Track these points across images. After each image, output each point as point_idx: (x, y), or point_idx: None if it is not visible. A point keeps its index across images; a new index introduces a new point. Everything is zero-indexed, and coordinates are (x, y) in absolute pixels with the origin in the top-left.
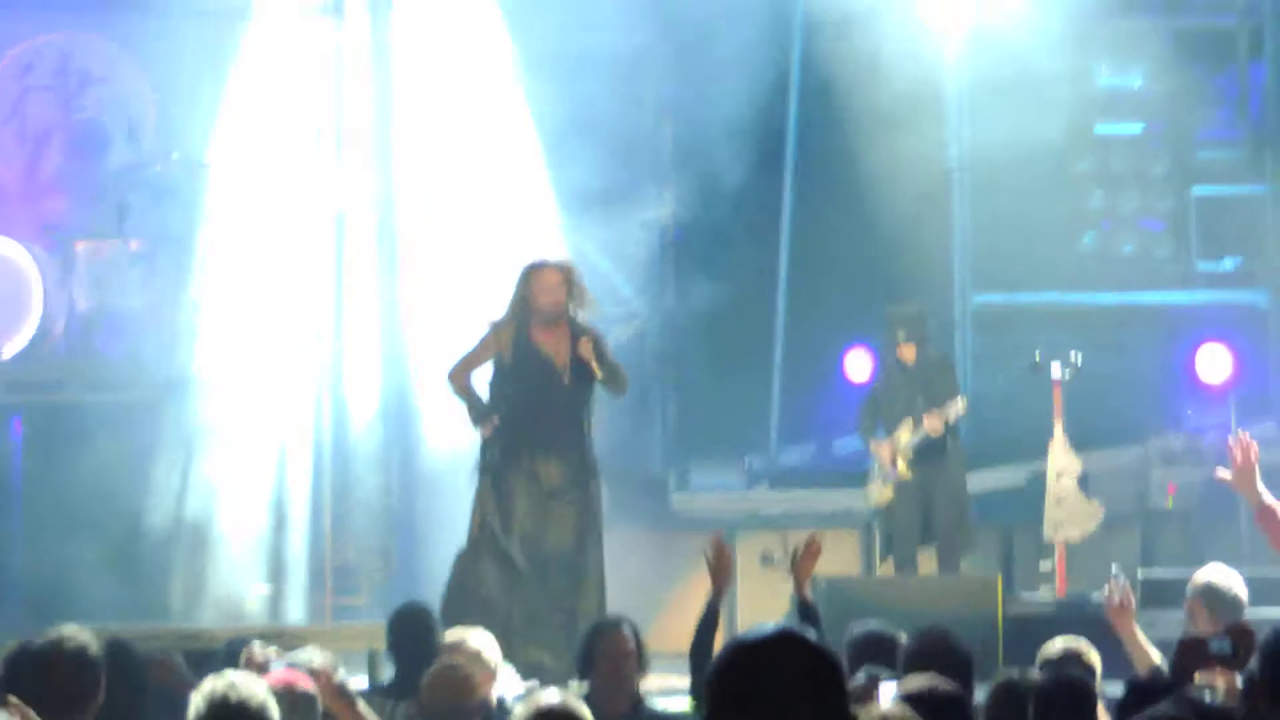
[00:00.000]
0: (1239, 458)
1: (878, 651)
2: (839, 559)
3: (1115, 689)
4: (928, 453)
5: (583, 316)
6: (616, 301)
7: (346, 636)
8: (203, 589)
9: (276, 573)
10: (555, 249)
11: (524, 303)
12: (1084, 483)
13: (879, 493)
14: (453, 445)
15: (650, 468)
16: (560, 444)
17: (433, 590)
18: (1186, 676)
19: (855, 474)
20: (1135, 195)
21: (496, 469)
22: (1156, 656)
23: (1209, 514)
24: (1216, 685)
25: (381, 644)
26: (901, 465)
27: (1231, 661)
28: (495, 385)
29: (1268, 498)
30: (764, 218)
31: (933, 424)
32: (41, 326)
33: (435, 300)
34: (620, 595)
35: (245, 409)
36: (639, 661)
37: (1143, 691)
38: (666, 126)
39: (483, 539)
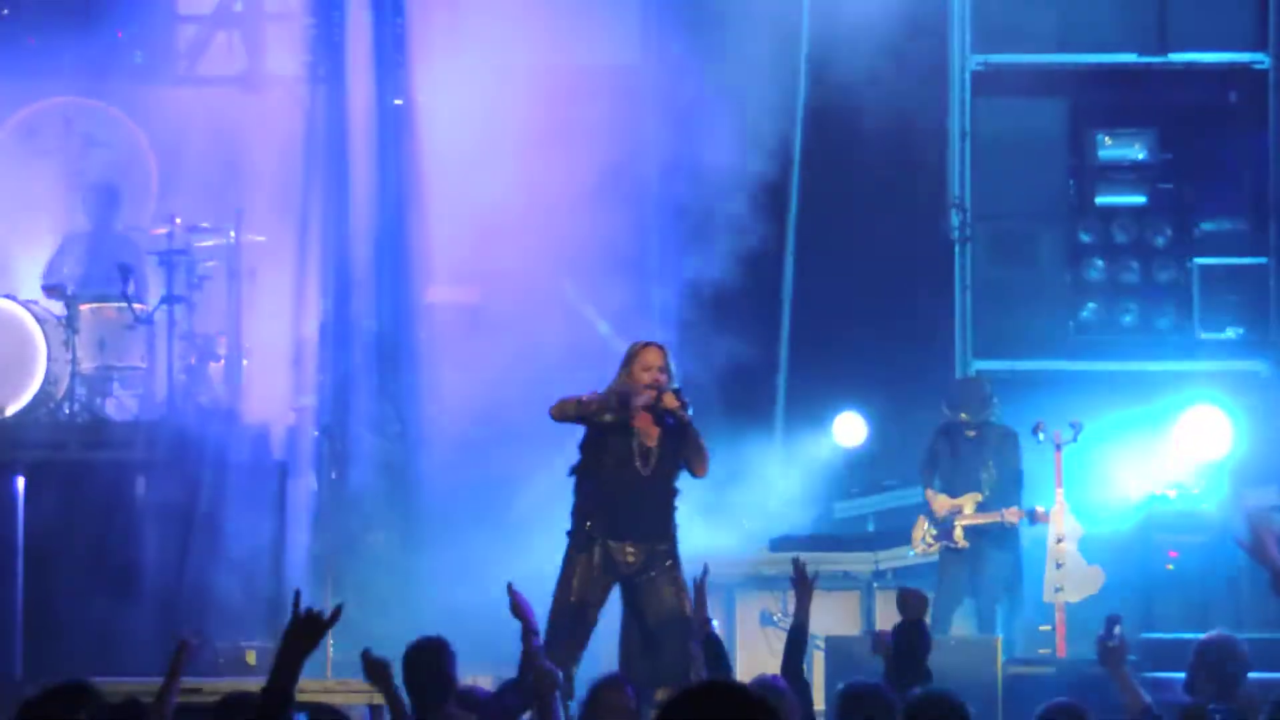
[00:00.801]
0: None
1: None
2: (839, 620)
3: None
4: (988, 529)
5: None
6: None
7: (348, 691)
8: (202, 645)
9: (276, 627)
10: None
11: (626, 380)
12: (1084, 547)
13: (924, 546)
14: (453, 496)
15: None
16: (640, 527)
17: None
18: None
19: (854, 537)
20: (1137, 265)
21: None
22: (1147, 699)
23: (1209, 578)
24: None
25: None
26: (959, 534)
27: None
28: (590, 459)
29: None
30: (765, 284)
31: (1012, 517)
32: (44, 387)
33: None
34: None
35: (244, 464)
36: (638, 718)
37: None
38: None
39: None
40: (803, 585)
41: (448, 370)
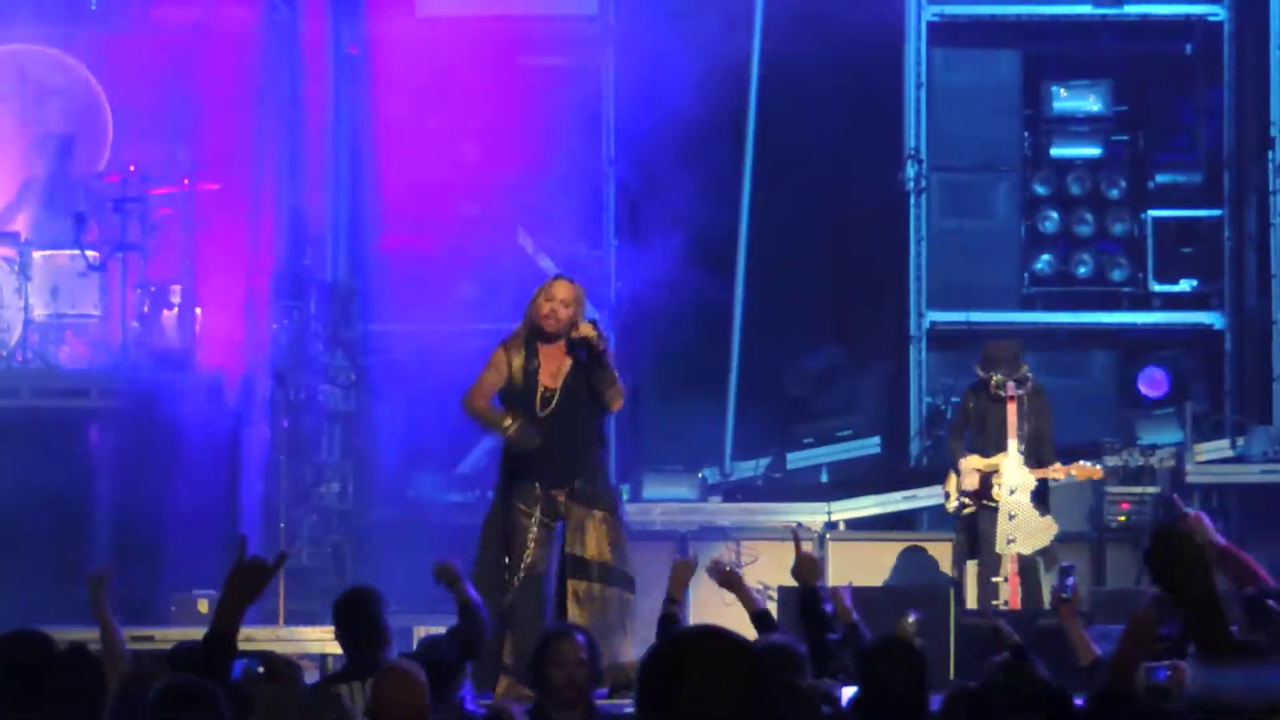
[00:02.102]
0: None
1: None
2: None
3: None
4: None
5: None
6: None
7: (300, 640)
8: (157, 591)
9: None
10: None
11: (533, 318)
12: (1038, 498)
13: (956, 503)
14: (406, 447)
15: None
16: (566, 469)
17: (385, 594)
18: (1134, 652)
19: (808, 487)
20: (1091, 217)
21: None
22: (1097, 651)
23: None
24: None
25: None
26: (998, 492)
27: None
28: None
29: (1221, 540)
30: (721, 231)
31: (1057, 474)
32: None
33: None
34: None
35: (198, 413)
36: (593, 671)
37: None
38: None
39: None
40: (800, 555)
41: (401, 320)
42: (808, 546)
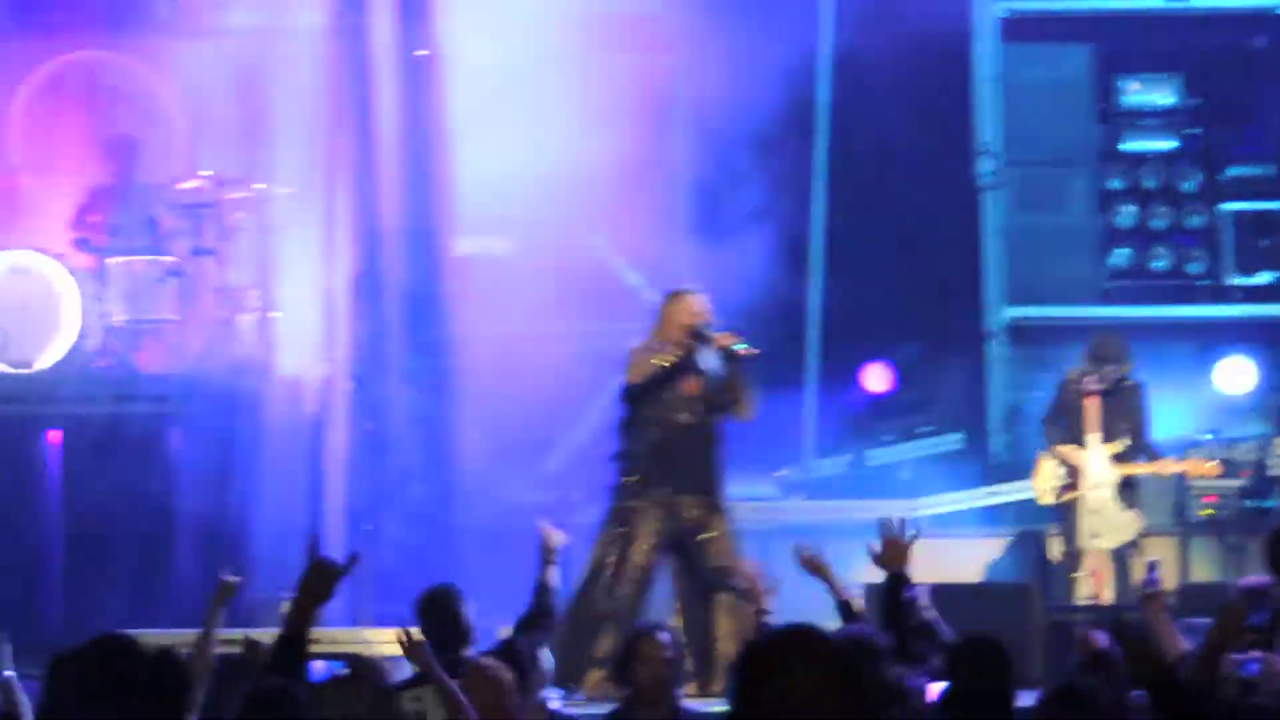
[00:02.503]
0: None
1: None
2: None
3: None
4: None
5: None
6: (646, 316)
7: (383, 642)
8: (239, 596)
9: None
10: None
11: (668, 328)
12: (1123, 493)
13: (1045, 493)
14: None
15: None
16: (695, 478)
17: (469, 595)
18: (1223, 643)
19: (889, 483)
20: (1166, 210)
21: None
22: (1183, 645)
23: (1244, 525)
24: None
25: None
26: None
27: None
28: (638, 418)
29: None
30: (795, 228)
31: (1166, 468)
32: (76, 341)
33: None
34: (656, 607)
35: (278, 417)
36: (678, 670)
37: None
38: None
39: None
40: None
41: (480, 322)
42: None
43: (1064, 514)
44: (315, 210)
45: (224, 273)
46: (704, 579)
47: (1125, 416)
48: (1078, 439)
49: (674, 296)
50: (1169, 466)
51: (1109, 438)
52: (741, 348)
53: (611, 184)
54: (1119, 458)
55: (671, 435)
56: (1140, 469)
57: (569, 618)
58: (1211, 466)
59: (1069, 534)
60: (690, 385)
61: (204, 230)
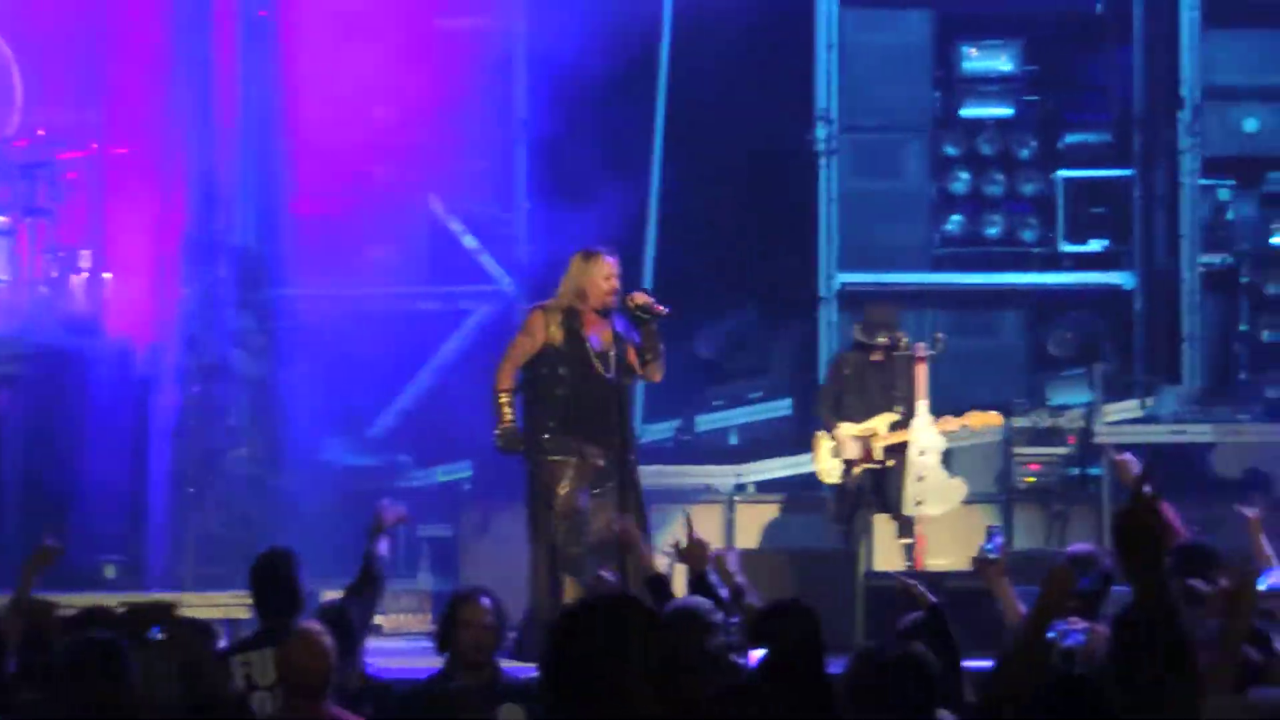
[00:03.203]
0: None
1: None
2: (703, 533)
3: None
4: (903, 446)
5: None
6: (482, 280)
7: (209, 605)
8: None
9: (136, 542)
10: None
11: (579, 289)
12: (946, 460)
13: (832, 471)
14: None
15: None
16: (607, 433)
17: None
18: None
19: (718, 449)
20: (1002, 177)
21: (549, 453)
22: (1023, 610)
23: (1069, 493)
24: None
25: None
26: (877, 452)
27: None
28: (545, 373)
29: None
30: (632, 192)
31: (950, 426)
32: None
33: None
34: (481, 568)
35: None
36: (499, 635)
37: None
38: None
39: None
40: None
41: (312, 284)
42: (712, 514)
43: (845, 489)
44: (150, 170)
45: (55, 232)
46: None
47: (899, 385)
48: (858, 413)
49: (586, 257)
50: (949, 424)
51: (888, 405)
52: (660, 308)
53: (447, 146)
54: (895, 425)
55: (577, 388)
56: (896, 436)
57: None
58: (992, 416)
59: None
60: (602, 342)
61: (36, 189)
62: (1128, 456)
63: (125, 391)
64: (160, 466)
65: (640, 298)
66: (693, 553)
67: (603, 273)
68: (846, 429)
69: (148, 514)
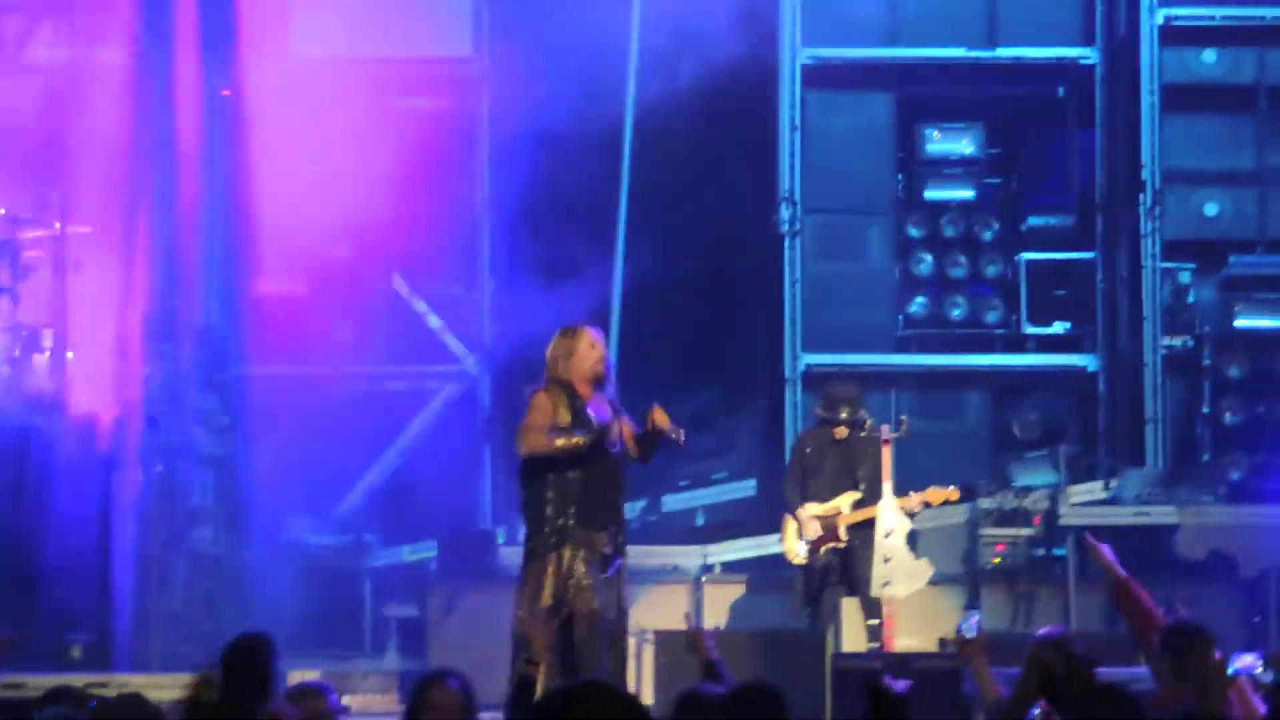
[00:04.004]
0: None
1: None
2: (668, 614)
3: None
4: (867, 524)
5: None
6: (447, 360)
7: (175, 686)
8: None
9: (102, 621)
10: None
11: (568, 366)
12: (912, 541)
13: (798, 552)
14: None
15: (480, 523)
16: (615, 513)
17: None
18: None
19: (684, 529)
20: (965, 259)
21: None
22: (1001, 690)
23: (1035, 574)
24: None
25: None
26: (843, 533)
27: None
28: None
29: (1123, 572)
30: (596, 272)
31: (911, 504)
32: None
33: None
34: (449, 648)
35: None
36: (468, 717)
37: None
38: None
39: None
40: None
41: (276, 363)
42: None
43: (810, 570)
44: (112, 249)
45: (18, 311)
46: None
47: (862, 463)
48: (821, 492)
49: (568, 333)
50: (908, 502)
51: (851, 485)
52: (677, 435)
53: (411, 225)
54: (859, 503)
55: (593, 473)
56: (876, 511)
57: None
58: (951, 491)
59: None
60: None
61: None
62: (1104, 549)
63: (89, 471)
64: (125, 546)
65: (662, 419)
66: (696, 643)
67: (588, 346)
68: (810, 509)
69: (113, 593)
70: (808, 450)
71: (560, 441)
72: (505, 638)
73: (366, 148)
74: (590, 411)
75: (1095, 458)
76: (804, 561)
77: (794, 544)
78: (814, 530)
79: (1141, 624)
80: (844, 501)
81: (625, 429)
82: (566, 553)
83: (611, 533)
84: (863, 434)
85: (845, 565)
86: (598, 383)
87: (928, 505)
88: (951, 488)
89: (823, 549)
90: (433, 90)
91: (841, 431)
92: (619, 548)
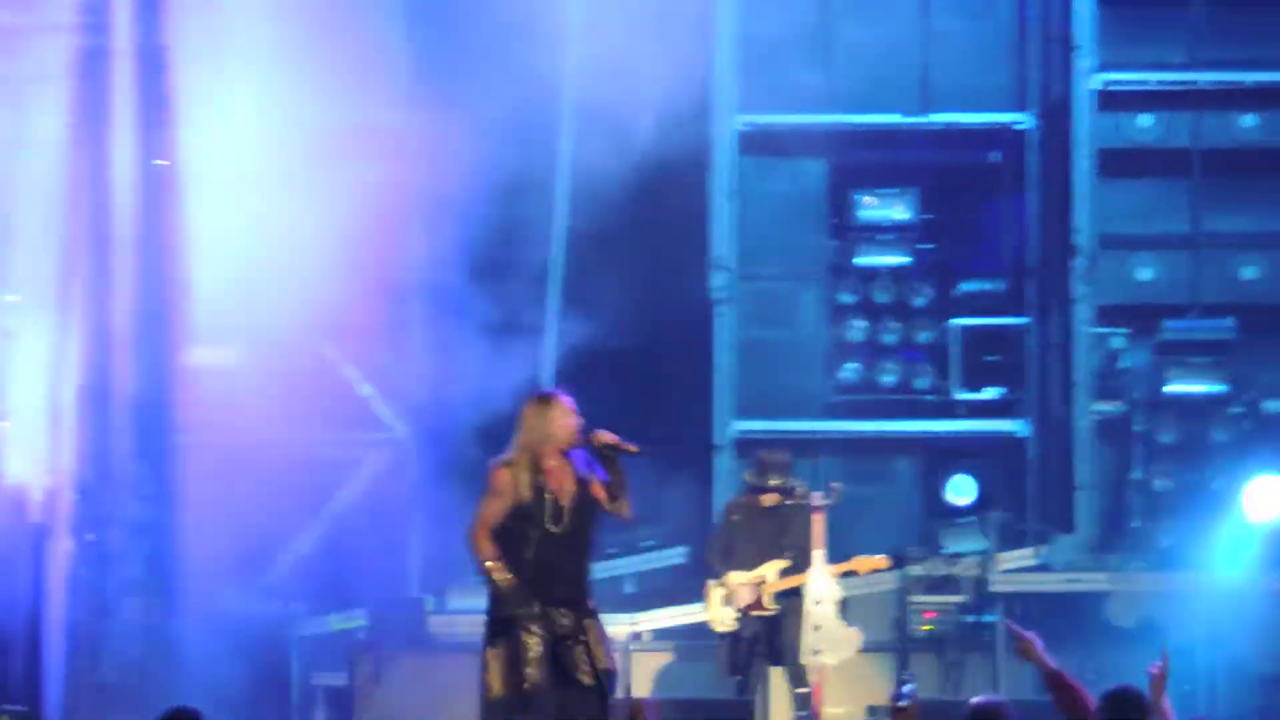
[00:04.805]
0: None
1: None
2: None
3: None
4: (794, 591)
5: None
6: (378, 428)
7: None
8: None
9: (32, 691)
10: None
11: (541, 436)
12: (842, 609)
13: (724, 619)
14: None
15: (409, 591)
16: (570, 588)
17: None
18: None
19: (613, 597)
20: (898, 325)
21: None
22: None
23: (965, 641)
24: None
25: None
26: (768, 600)
27: None
28: (514, 533)
29: (1054, 663)
30: (527, 344)
31: (837, 570)
32: None
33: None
34: (379, 717)
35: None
36: None
37: None
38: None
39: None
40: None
41: (206, 432)
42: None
43: (737, 637)
44: (45, 318)
45: None
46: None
47: (790, 530)
48: (747, 560)
49: (542, 401)
50: (837, 569)
51: (777, 550)
52: (628, 445)
53: (344, 293)
54: (786, 571)
55: (544, 547)
56: (806, 578)
57: None
58: (880, 560)
59: (785, 650)
60: (561, 495)
61: None
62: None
63: (19, 540)
64: (56, 616)
65: (607, 436)
66: (635, 716)
67: (562, 415)
68: (736, 577)
69: (44, 663)
70: (734, 518)
71: (490, 566)
72: (433, 706)
73: (298, 215)
74: (552, 491)
75: (1025, 524)
76: (730, 629)
77: (718, 611)
78: (745, 597)
79: (1079, 712)
80: (770, 569)
81: (596, 488)
82: (516, 623)
83: (570, 609)
84: (791, 502)
85: (770, 633)
86: (567, 450)
87: (854, 573)
88: (880, 556)
89: (750, 615)
90: (365, 157)
91: (772, 499)
92: (593, 616)
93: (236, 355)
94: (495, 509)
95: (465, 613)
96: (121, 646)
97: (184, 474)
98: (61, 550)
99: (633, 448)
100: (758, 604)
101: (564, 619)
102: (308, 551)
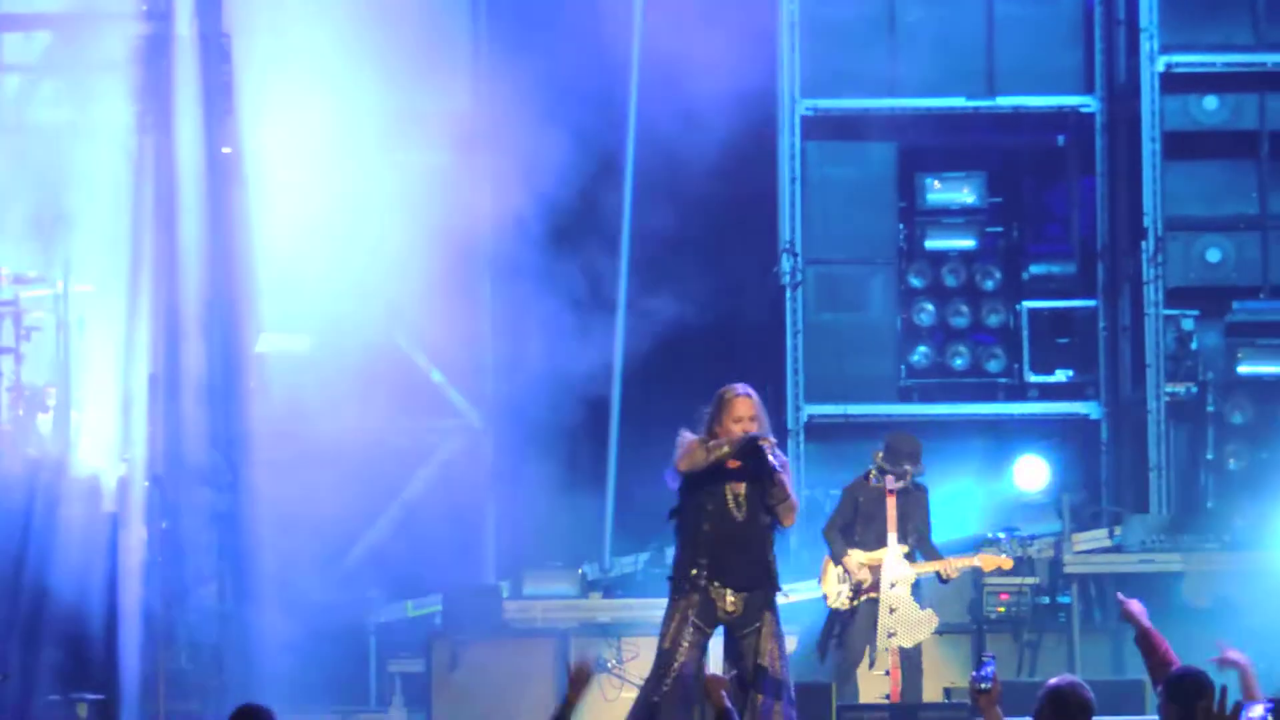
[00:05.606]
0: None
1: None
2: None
3: None
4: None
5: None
6: (451, 414)
7: None
8: (33, 696)
9: (108, 680)
10: None
11: (717, 429)
12: (917, 591)
13: (838, 597)
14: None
15: (484, 577)
16: (738, 578)
17: (267, 695)
18: None
19: None
20: (967, 308)
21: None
22: None
23: (1039, 622)
24: None
25: None
26: (886, 586)
27: None
28: (691, 506)
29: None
30: (598, 330)
31: (951, 570)
32: None
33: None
34: (454, 703)
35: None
36: None
37: None
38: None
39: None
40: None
41: (279, 420)
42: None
43: (845, 617)
44: (115, 308)
45: (21, 371)
46: (742, 674)
47: (912, 516)
48: (868, 542)
49: (728, 396)
50: (963, 562)
51: (900, 538)
52: (768, 443)
53: (416, 281)
54: (907, 557)
55: (721, 530)
56: (934, 567)
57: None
58: (1004, 559)
59: (866, 634)
60: (735, 484)
61: (1, 328)
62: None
63: (93, 529)
64: (131, 605)
65: (766, 443)
66: (710, 691)
67: (733, 415)
68: (856, 556)
69: (119, 652)
70: (860, 499)
71: (711, 444)
72: (509, 692)
73: (367, 203)
74: (730, 476)
75: (1099, 505)
76: (844, 606)
77: (834, 587)
78: (866, 576)
79: (1161, 668)
80: (888, 553)
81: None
82: (685, 603)
83: (738, 594)
84: (913, 487)
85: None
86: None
87: (978, 569)
88: (1005, 556)
89: (862, 597)
90: (433, 144)
91: (897, 483)
92: (752, 611)
93: (308, 343)
94: (713, 451)
95: (540, 598)
96: (197, 635)
97: (257, 462)
98: (135, 539)
99: (769, 452)
100: (874, 586)
101: (731, 605)
102: (383, 539)
